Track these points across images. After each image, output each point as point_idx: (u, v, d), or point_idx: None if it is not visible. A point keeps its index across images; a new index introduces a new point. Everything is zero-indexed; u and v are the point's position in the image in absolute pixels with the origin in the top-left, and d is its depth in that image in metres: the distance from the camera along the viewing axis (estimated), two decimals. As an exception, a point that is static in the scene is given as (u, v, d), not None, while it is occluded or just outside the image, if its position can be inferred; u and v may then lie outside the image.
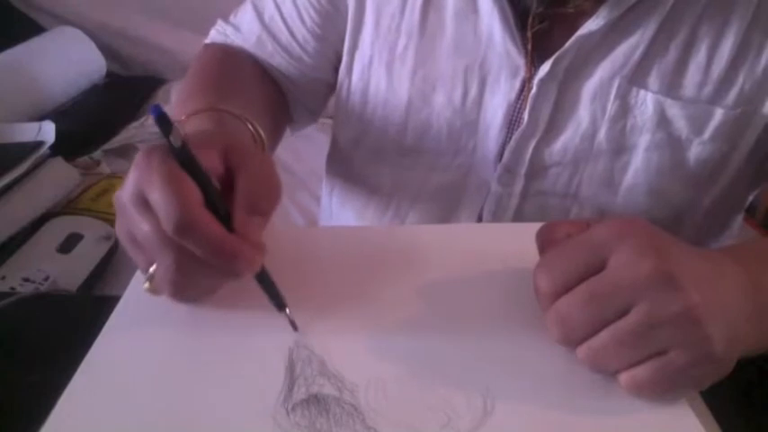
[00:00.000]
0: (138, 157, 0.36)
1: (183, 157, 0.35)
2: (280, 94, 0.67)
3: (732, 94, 0.53)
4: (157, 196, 0.34)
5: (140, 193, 0.35)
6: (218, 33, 0.69)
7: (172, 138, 0.35)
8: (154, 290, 0.38)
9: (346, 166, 0.69)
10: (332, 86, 0.67)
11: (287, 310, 0.39)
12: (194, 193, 0.35)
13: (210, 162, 0.37)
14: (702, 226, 0.61)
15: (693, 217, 0.60)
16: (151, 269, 0.37)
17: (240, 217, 0.37)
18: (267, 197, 0.38)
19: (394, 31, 0.60)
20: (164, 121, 0.35)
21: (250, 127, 0.52)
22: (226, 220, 0.36)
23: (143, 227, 0.35)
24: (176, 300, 0.39)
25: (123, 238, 0.38)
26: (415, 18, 0.58)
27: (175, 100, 0.60)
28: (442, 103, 0.59)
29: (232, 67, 0.64)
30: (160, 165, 0.35)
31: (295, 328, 0.39)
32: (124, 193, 0.36)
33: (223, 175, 0.38)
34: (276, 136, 0.66)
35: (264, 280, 0.39)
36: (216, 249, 0.35)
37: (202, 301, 0.41)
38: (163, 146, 0.36)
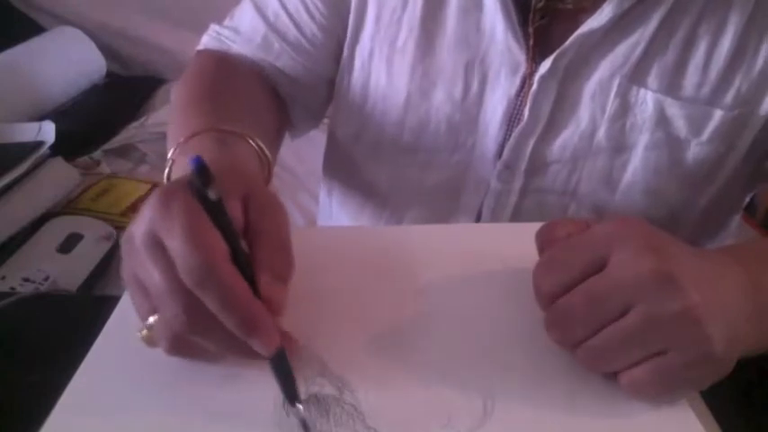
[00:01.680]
0: (155, 196, 0.34)
1: (215, 211, 0.32)
2: (278, 101, 0.66)
3: (729, 96, 0.53)
4: (178, 244, 0.31)
5: (155, 237, 0.33)
6: (213, 39, 0.66)
7: (210, 192, 0.32)
8: (150, 340, 0.35)
9: (344, 163, 0.69)
10: (334, 85, 0.67)
11: (300, 408, 0.34)
12: (221, 245, 0.32)
13: (234, 214, 0.34)
14: (699, 226, 0.61)
15: (690, 216, 0.60)
16: (151, 319, 0.35)
17: (266, 279, 0.34)
18: (288, 263, 0.35)
19: (395, 25, 0.59)
20: (204, 173, 0.31)
21: (254, 144, 0.49)
22: (252, 284, 0.33)
23: (153, 272, 0.32)
24: (169, 354, 0.36)
25: (128, 279, 0.35)
26: (416, 12, 0.58)
27: (171, 113, 0.57)
28: (442, 99, 0.59)
29: (229, 77, 0.62)
30: (183, 209, 0.32)
31: (306, 429, 0.34)
32: (136, 234, 0.33)
33: (243, 228, 0.35)
34: (277, 146, 0.65)
35: (280, 366, 0.34)
36: (235, 310, 0.32)
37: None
38: (182, 185, 0.33)
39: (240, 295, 0.32)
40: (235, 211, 0.35)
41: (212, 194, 0.32)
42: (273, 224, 0.36)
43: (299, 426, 0.33)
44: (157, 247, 0.32)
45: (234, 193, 0.36)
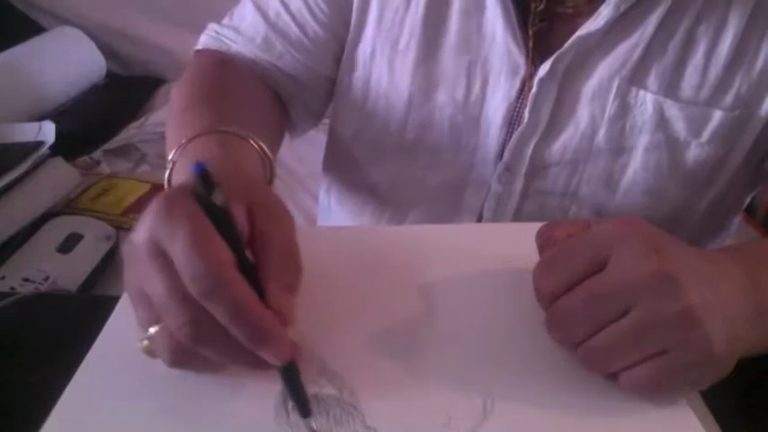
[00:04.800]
0: (157, 203, 0.32)
1: (220, 217, 0.32)
2: (278, 101, 0.66)
3: (729, 97, 0.53)
4: (182, 252, 0.30)
5: (158, 245, 0.31)
6: (212, 39, 0.65)
7: (215, 197, 0.31)
8: (151, 351, 0.34)
9: (344, 162, 0.69)
10: (335, 84, 0.66)
11: (313, 424, 0.33)
12: (227, 254, 0.31)
13: (239, 220, 0.33)
14: (699, 227, 0.61)
15: (690, 218, 0.60)
16: (152, 329, 0.33)
17: (273, 289, 0.33)
18: (295, 270, 0.34)
19: (397, 25, 0.59)
20: (207, 179, 0.31)
21: (255, 146, 0.49)
22: (259, 293, 0.32)
23: (156, 282, 0.31)
24: (170, 367, 0.34)
25: (130, 288, 0.34)
26: (419, 13, 0.58)
27: (170, 114, 0.57)
28: (444, 100, 0.59)
29: (229, 77, 0.62)
30: (187, 217, 0.31)
31: None
32: (139, 241, 0.32)
33: (249, 237, 0.35)
34: (278, 146, 0.65)
35: (292, 376, 0.33)
36: (245, 319, 0.31)
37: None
38: (185, 191, 0.32)
39: (250, 305, 0.31)
40: (239, 217, 0.34)
41: (217, 200, 0.31)
42: (280, 230, 0.35)
43: None
44: (160, 255, 0.31)
45: (238, 198, 0.35)
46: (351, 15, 0.61)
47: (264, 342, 0.31)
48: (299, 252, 0.35)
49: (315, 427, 0.33)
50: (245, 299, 0.31)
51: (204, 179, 0.31)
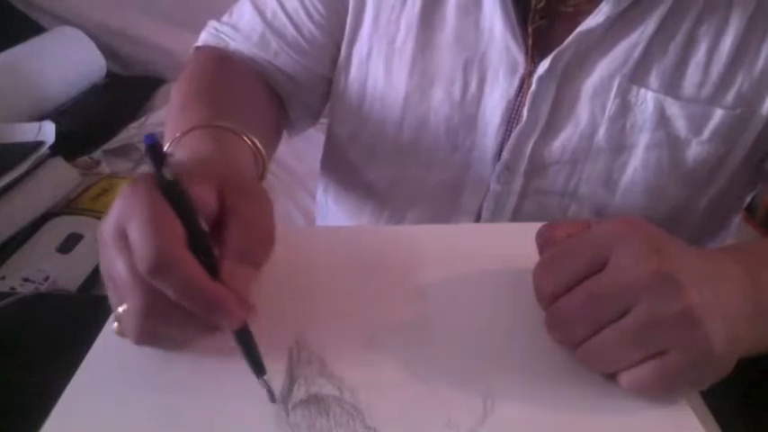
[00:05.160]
0: (125, 188, 0.34)
1: (171, 192, 0.33)
2: (276, 99, 0.66)
3: (731, 95, 0.53)
4: (135, 232, 0.32)
5: (120, 227, 0.33)
6: (211, 36, 0.66)
7: (164, 170, 0.32)
8: (121, 332, 0.35)
9: (342, 162, 0.69)
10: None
11: (265, 378, 0.35)
12: (176, 230, 0.32)
13: (205, 198, 0.34)
14: (699, 226, 0.61)
15: (690, 217, 0.60)
16: (120, 309, 0.34)
17: (228, 264, 0.33)
18: (260, 245, 0.35)
19: (394, 24, 0.59)
20: (156, 152, 0.32)
21: (249, 142, 0.49)
22: (211, 266, 0.33)
23: (118, 264, 0.33)
24: (136, 344, 0.35)
25: (102, 272, 0.35)
26: (415, 10, 0.58)
27: (170, 111, 0.57)
28: (440, 99, 0.59)
29: (227, 74, 0.62)
30: (143, 197, 0.32)
31: (273, 398, 0.35)
32: (105, 226, 0.34)
33: (217, 213, 0.35)
34: (274, 144, 0.65)
35: (245, 340, 0.34)
36: (194, 295, 0.32)
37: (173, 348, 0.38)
38: (151, 175, 0.33)
39: (193, 279, 0.32)
40: (204, 194, 0.35)
41: (167, 174, 0.32)
42: (249, 207, 0.36)
43: (267, 396, 0.35)
44: (122, 238, 0.33)
45: (208, 178, 0.36)
46: (347, 15, 0.61)
47: (214, 311, 0.32)
48: (272, 228, 0.36)
49: (271, 387, 0.35)
50: (190, 274, 0.32)
51: (153, 151, 0.32)
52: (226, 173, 0.37)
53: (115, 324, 0.35)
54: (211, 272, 0.33)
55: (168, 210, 0.32)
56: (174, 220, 0.32)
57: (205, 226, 0.34)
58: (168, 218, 0.32)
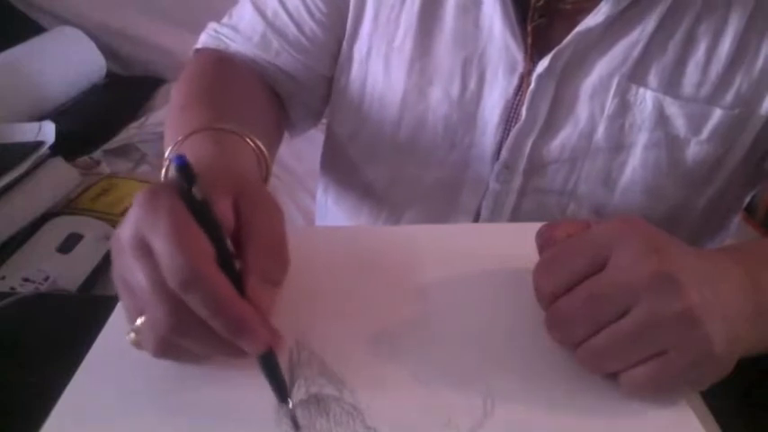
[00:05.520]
0: (142, 196, 0.33)
1: (202, 211, 0.32)
2: (277, 99, 0.66)
3: (730, 95, 0.53)
4: (162, 244, 0.31)
5: (141, 237, 0.32)
6: (211, 37, 0.66)
7: (195, 190, 0.32)
8: (138, 343, 0.34)
9: (342, 161, 0.69)
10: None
11: (290, 404, 0.34)
12: (206, 246, 0.32)
13: (223, 214, 0.34)
14: (698, 226, 0.61)
15: (689, 217, 0.60)
16: (139, 321, 0.34)
17: (252, 281, 0.33)
18: (281, 264, 0.35)
19: (393, 23, 0.59)
20: (187, 172, 0.32)
21: (251, 144, 0.49)
22: (238, 284, 0.33)
23: (139, 274, 0.32)
24: (155, 357, 0.35)
25: (117, 280, 0.35)
26: (414, 9, 0.58)
27: (169, 111, 0.57)
28: (439, 98, 0.59)
29: (227, 75, 0.62)
30: (169, 210, 0.32)
31: (297, 427, 0.34)
32: (123, 234, 0.33)
33: (234, 228, 0.35)
34: (276, 145, 0.65)
35: (270, 365, 0.34)
36: (224, 312, 0.31)
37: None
38: (170, 186, 0.33)
39: (225, 297, 0.32)
40: (225, 210, 0.35)
41: (197, 194, 0.32)
42: (266, 223, 0.36)
43: (290, 424, 0.34)
44: (143, 248, 0.32)
45: (224, 191, 0.35)
46: (348, 14, 0.61)
47: (240, 333, 0.32)
48: (287, 245, 0.36)
49: (295, 414, 0.34)
50: (222, 291, 0.32)
51: (185, 172, 0.32)
52: (238, 182, 0.37)
53: (132, 335, 0.34)
54: (238, 290, 0.33)
55: (195, 225, 0.32)
56: (202, 235, 0.32)
57: (231, 246, 0.34)
58: (197, 233, 0.32)
